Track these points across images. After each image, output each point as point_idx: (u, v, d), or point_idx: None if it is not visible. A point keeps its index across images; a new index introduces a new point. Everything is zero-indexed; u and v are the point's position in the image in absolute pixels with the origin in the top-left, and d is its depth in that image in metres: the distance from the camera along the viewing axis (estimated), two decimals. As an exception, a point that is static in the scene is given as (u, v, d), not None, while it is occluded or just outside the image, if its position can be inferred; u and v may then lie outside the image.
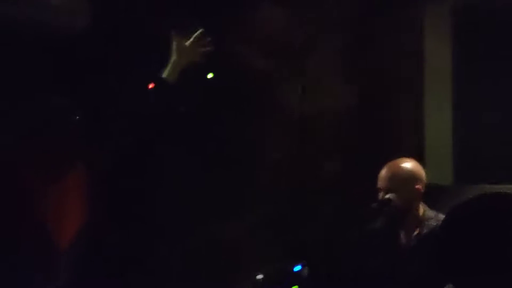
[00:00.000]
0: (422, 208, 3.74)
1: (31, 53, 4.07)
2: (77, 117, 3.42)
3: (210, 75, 4.18)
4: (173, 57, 3.62)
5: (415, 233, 3.70)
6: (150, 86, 4.05)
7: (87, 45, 4.37)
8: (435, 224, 3.60)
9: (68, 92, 3.78)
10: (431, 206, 3.77)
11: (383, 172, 3.73)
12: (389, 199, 3.70)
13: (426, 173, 3.81)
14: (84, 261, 3.50)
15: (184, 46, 3.64)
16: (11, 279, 3.21)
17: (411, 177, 3.72)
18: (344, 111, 4.96)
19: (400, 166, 3.74)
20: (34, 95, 3.78)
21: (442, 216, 2.93)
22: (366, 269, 3.70)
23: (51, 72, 4.15)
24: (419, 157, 4.23)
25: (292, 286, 3.90)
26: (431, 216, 3.71)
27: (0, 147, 3.35)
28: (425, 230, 3.69)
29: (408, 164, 3.76)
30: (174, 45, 3.64)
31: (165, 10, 4.60)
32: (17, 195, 3.28)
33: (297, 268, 3.88)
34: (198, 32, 3.66)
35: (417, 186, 3.71)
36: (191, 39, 3.66)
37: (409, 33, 4.96)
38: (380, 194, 3.73)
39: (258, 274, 4.21)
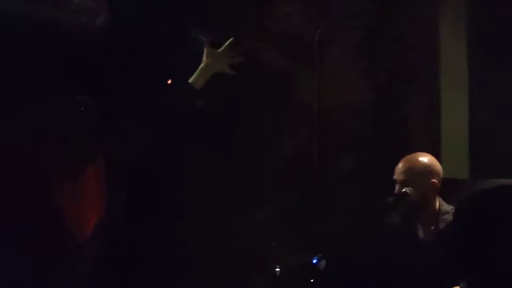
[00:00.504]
0: (438, 203, 3.77)
1: (51, 52, 4.10)
2: (97, 114, 3.47)
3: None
4: (203, 64, 3.60)
5: (432, 227, 3.72)
6: (169, 81, 4.09)
7: (108, 43, 4.40)
8: (451, 218, 3.61)
9: (88, 90, 3.81)
10: (448, 200, 3.80)
11: (400, 165, 3.76)
12: (405, 192, 3.71)
13: (442, 167, 3.83)
14: (100, 258, 3.55)
15: (215, 54, 3.62)
16: (29, 277, 3.27)
17: (427, 171, 3.74)
18: (360, 106, 4.98)
19: (417, 160, 3.77)
20: (52, 92, 3.82)
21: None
22: (383, 263, 3.72)
23: (71, 70, 4.19)
24: (435, 151, 4.26)
25: (309, 279, 3.94)
26: (447, 210, 3.73)
27: (19, 144, 3.40)
28: (441, 225, 3.71)
29: (424, 158, 3.78)
30: (205, 52, 3.63)
31: (184, 7, 4.63)
32: (36, 191, 3.33)
33: (314, 261, 3.92)
34: (229, 41, 3.65)
35: (433, 180, 3.73)
36: (222, 48, 3.64)
37: (425, 27, 4.97)
38: (396, 187, 3.76)
39: (276, 267, 4.26)
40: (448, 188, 3.86)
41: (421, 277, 3.58)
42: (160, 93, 3.80)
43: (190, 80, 3.56)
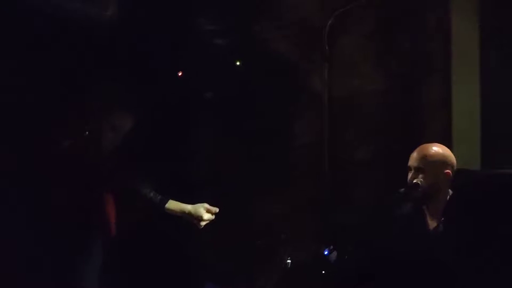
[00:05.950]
0: (449, 194, 3.78)
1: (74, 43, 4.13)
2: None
3: (237, 62, 4.21)
4: (193, 207, 3.67)
5: (442, 217, 3.73)
6: (179, 74, 4.11)
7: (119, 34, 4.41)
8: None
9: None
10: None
11: (415, 153, 3.80)
12: (417, 183, 3.73)
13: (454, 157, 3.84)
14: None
15: (201, 210, 3.69)
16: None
17: (441, 161, 3.76)
18: (372, 94, 4.97)
19: (433, 149, 3.80)
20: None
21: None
22: (393, 254, 3.73)
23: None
24: (446, 141, 4.26)
25: (321, 271, 3.95)
26: (457, 201, 3.73)
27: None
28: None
29: (440, 148, 3.82)
30: (207, 207, 3.71)
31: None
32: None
33: (326, 252, 3.93)
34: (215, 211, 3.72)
35: (446, 171, 3.75)
36: (209, 210, 3.71)
37: (436, 13, 4.94)
38: (410, 173, 3.77)
39: (287, 258, 4.27)
40: (459, 178, 3.86)
41: (430, 267, 3.59)
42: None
43: (167, 205, 3.64)
